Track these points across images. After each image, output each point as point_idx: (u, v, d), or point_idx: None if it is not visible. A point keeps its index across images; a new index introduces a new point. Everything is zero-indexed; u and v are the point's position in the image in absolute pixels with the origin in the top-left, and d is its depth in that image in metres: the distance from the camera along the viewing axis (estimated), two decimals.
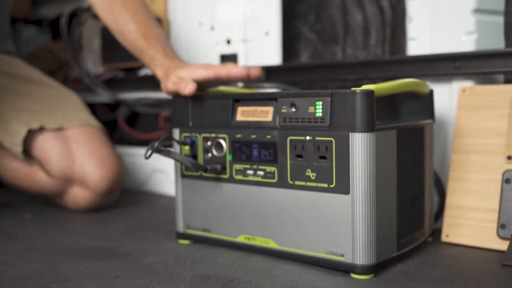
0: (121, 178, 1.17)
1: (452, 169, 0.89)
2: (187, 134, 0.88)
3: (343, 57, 1.17)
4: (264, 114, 0.80)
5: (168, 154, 0.82)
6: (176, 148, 0.89)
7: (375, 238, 0.72)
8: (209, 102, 0.86)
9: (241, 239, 0.83)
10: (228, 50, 1.22)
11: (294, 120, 0.76)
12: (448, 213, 0.88)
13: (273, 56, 1.16)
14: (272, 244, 0.80)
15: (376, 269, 0.73)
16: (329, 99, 0.72)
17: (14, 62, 1.29)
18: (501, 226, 0.82)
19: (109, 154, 1.15)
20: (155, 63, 0.94)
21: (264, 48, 1.16)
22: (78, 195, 1.14)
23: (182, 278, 0.71)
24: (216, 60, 1.24)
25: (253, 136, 0.80)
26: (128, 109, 1.43)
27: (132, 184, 1.42)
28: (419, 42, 0.98)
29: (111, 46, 1.43)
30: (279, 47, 1.16)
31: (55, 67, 1.53)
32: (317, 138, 0.74)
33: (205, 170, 0.83)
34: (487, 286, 0.68)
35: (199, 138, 0.86)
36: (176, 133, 0.89)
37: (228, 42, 1.22)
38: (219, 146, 0.84)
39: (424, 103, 0.86)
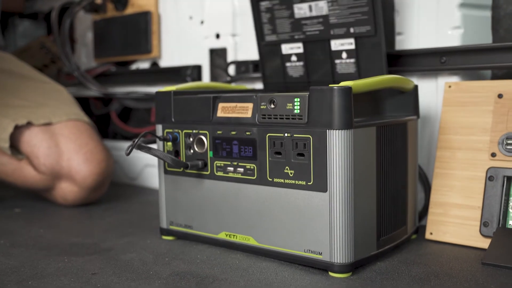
0: (109, 173, 1.17)
1: (437, 166, 0.88)
2: (170, 130, 0.87)
3: None
4: (244, 110, 0.79)
5: (148, 150, 0.81)
6: (158, 144, 0.89)
7: (353, 236, 0.71)
8: (191, 98, 0.85)
9: (222, 236, 0.83)
10: (217, 44, 1.21)
11: (273, 117, 0.75)
12: (432, 210, 0.87)
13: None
14: (252, 241, 0.80)
15: (354, 267, 0.72)
16: (307, 95, 0.72)
17: (4, 56, 1.29)
18: (484, 224, 0.81)
19: (96, 149, 1.14)
20: None
21: (253, 42, 1.15)
22: (66, 190, 1.14)
23: (158, 276, 0.71)
24: (205, 54, 1.23)
25: (233, 133, 0.80)
26: (120, 104, 1.43)
27: (125, 178, 1.42)
28: (406, 36, 0.96)
29: (103, 40, 1.43)
30: None
31: (48, 61, 1.53)
32: (295, 135, 0.73)
33: (186, 167, 0.83)
34: (463, 285, 0.67)
35: (181, 134, 0.86)
36: (159, 129, 0.89)
37: (218, 36, 1.21)
38: (200, 142, 0.84)
39: (408, 99, 0.85)
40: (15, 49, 1.67)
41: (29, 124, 1.12)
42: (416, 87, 0.86)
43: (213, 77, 1.23)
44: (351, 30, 0.91)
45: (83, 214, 1.09)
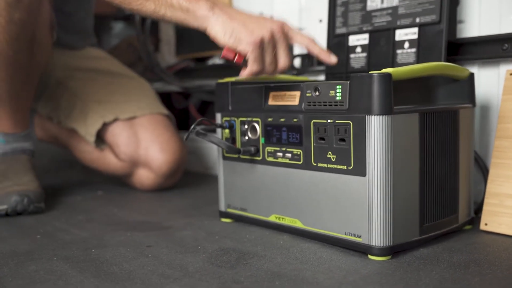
0: (183, 162, 1.25)
1: (494, 155, 0.86)
2: (227, 118, 0.93)
3: None
4: (292, 98, 0.82)
5: (205, 137, 0.87)
6: (218, 131, 0.95)
7: (392, 220, 0.72)
8: (246, 87, 0.90)
9: (272, 218, 0.87)
10: None
11: (317, 104, 0.78)
12: (488, 201, 0.85)
13: (325, 42, 1.17)
14: (298, 224, 0.83)
15: (393, 251, 0.73)
16: (348, 82, 0.74)
17: (97, 55, 1.41)
18: None
19: (171, 139, 1.23)
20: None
21: (318, 35, 1.18)
22: (143, 177, 1.23)
23: (204, 250, 0.77)
24: None
25: (282, 120, 0.83)
26: (197, 98, 1.52)
27: (201, 168, 1.51)
28: (468, 25, 0.94)
29: (184, 38, 1.52)
30: None
31: (134, 59, 1.65)
32: (337, 121, 0.75)
33: (239, 152, 0.87)
34: (503, 274, 0.65)
35: (237, 122, 0.91)
36: (218, 117, 0.95)
37: None
38: (253, 129, 0.89)
39: (462, 87, 0.84)
40: (107, 48, 1.81)
41: (115, 120, 1.23)
42: (471, 75, 0.84)
43: None
44: (417, 19, 0.93)
45: (155, 198, 1.18)
